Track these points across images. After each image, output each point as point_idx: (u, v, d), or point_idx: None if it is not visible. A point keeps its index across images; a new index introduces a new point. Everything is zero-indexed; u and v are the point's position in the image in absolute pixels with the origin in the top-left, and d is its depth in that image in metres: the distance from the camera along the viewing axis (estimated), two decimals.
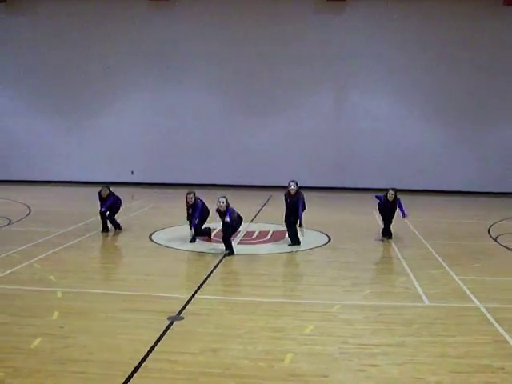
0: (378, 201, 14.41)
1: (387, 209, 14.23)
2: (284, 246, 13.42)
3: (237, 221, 12.54)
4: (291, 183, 13.26)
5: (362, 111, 26.02)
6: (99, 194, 14.84)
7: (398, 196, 14.20)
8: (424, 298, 9.40)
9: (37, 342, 7.13)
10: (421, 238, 14.79)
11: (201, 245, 13.40)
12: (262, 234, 14.68)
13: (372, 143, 25.93)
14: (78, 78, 26.78)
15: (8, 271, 10.62)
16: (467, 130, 25.62)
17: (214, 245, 13.25)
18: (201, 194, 14.03)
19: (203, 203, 13.60)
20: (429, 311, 8.77)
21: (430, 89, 25.61)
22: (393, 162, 25.60)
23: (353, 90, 26.27)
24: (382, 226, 14.63)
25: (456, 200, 23.89)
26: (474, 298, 9.35)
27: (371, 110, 25.96)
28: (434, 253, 12.92)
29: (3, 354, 6.76)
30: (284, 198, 13.54)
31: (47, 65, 26.84)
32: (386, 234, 14.48)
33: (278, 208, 15.69)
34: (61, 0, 26.58)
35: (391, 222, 14.43)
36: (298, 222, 13.27)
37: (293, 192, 13.22)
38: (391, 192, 14.10)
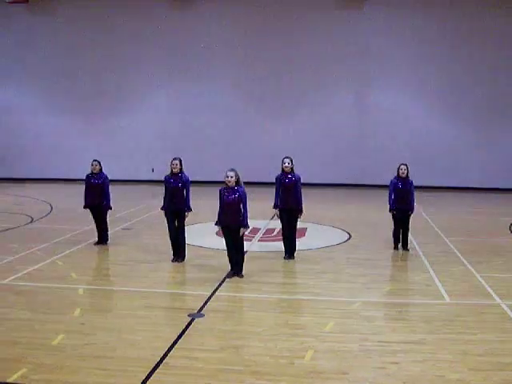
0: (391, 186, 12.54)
1: (401, 190, 12.36)
2: (304, 243, 13.37)
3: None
4: (285, 159, 11.72)
5: (382, 109, 25.89)
6: (87, 178, 12.88)
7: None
8: (445, 295, 9.34)
9: (59, 338, 7.20)
10: (441, 234, 14.69)
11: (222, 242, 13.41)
12: None
13: (392, 140, 25.74)
14: (99, 76, 27.01)
15: (31, 268, 10.74)
16: (489, 127, 25.38)
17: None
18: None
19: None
20: (450, 308, 8.72)
21: (454, 86, 25.35)
22: (413, 159, 25.19)
23: (374, 87, 26.16)
24: (393, 228, 12.91)
25: (476, 196, 23.70)
26: (495, 296, 9.27)
27: (391, 108, 25.82)
28: (454, 249, 12.83)
29: (26, 350, 6.84)
30: (276, 181, 11.82)
31: (68, 64, 27.06)
32: (402, 242, 12.78)
33: None
34: (81, 0, 26.81)
35: (408, 224, 12.66)
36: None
37: (287, 169, 11.66)
38: (402, 167, 12.44)
